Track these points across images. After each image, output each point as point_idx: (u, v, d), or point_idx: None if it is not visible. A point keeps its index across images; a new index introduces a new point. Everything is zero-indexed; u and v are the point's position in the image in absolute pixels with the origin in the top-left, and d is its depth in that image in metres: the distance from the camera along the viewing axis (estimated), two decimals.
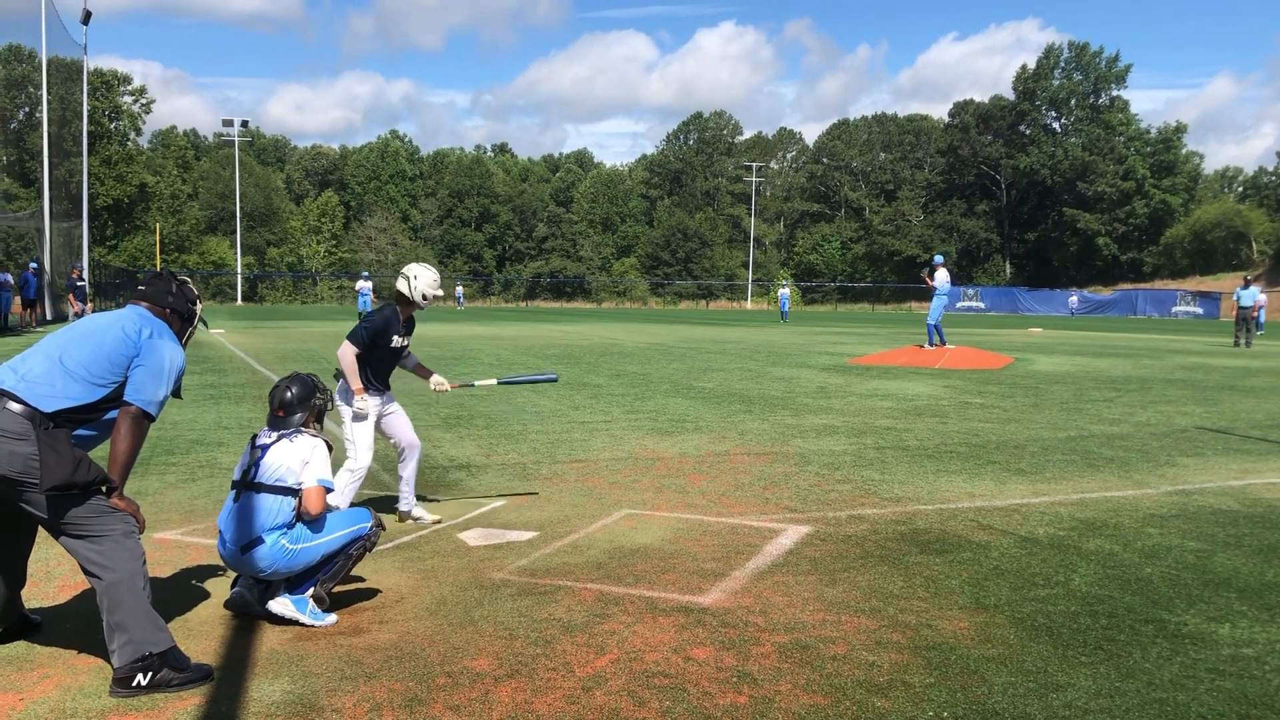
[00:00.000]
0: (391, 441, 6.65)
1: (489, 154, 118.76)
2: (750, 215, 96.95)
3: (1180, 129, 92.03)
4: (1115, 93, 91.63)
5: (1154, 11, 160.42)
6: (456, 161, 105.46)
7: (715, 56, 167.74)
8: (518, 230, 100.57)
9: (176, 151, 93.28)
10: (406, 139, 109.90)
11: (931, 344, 21.60)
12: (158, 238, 68.71)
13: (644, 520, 6.75)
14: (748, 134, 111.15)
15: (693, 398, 14.03)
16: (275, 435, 4.80)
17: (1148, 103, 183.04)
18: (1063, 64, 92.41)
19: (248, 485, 4.68)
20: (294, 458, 4.70)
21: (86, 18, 42.71)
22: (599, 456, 9.22)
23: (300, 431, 4.82)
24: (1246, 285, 31.14)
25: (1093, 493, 7.82)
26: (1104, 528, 6.65)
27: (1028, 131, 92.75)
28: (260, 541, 4.59)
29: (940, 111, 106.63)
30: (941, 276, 21.60)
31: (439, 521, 6.65)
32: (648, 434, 10.63)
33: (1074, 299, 65.18)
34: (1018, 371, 19.25)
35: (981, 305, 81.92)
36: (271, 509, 4.62)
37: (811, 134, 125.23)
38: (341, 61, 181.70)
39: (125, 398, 4.01)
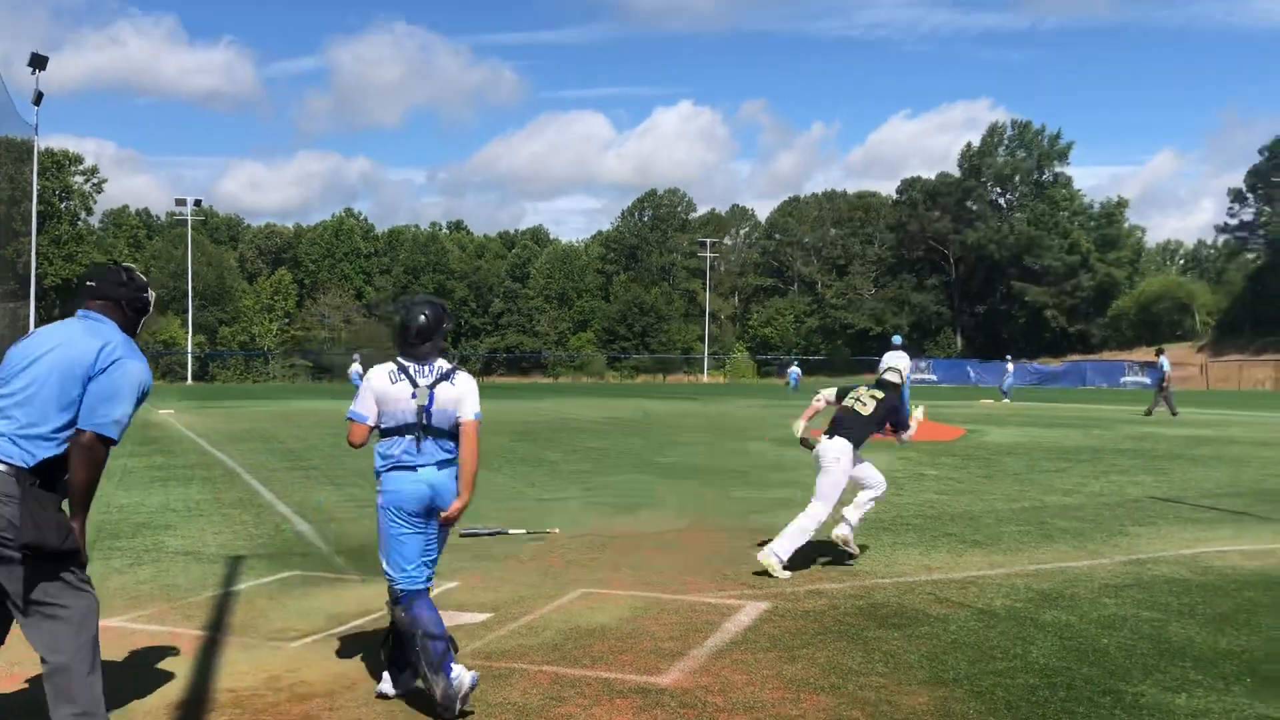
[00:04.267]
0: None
1: (445, 231, 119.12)
2: (705, 290, 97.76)
3: (1122, 204, 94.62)
4: (1058, 169, 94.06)
5: (1100, 91, 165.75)
6: (412, 238, 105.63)
7: (672, 135, 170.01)
8: (473, 306, 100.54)
9: (128, 231, 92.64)
10: (361, 216, 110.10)
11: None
12: None
13: (601, 599, 6.68)
14: (702, 210, 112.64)
15: (651, 472, 13.99)
16: (432, 373, 4.70)
17: (1093, 178, 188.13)
18: (1006, 141, 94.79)
19: (428, 429, 4.66)
20: (453, 397, 4.70)
21: (38, 99, 42.59)
22: (555, 535, 9.13)
23: (456, 370, 4.76)
24: (1160, 354, 32.23)
25: (1048, 563, 7.85)
26: (1060, 599, 6.67)
27: (974, 207, 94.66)
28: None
29: (889, 188, 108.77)
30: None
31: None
32: (605, 510, 10.56)
33: (1009, 372, 46.06)
34: (971, 443, 19.40)
35: (933, 377, 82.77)
36: (451, 449, 4.71)
37: (766, 210, 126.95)
38: (298, 140, 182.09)
39: (78, 424, 3.77)
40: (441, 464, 4.66)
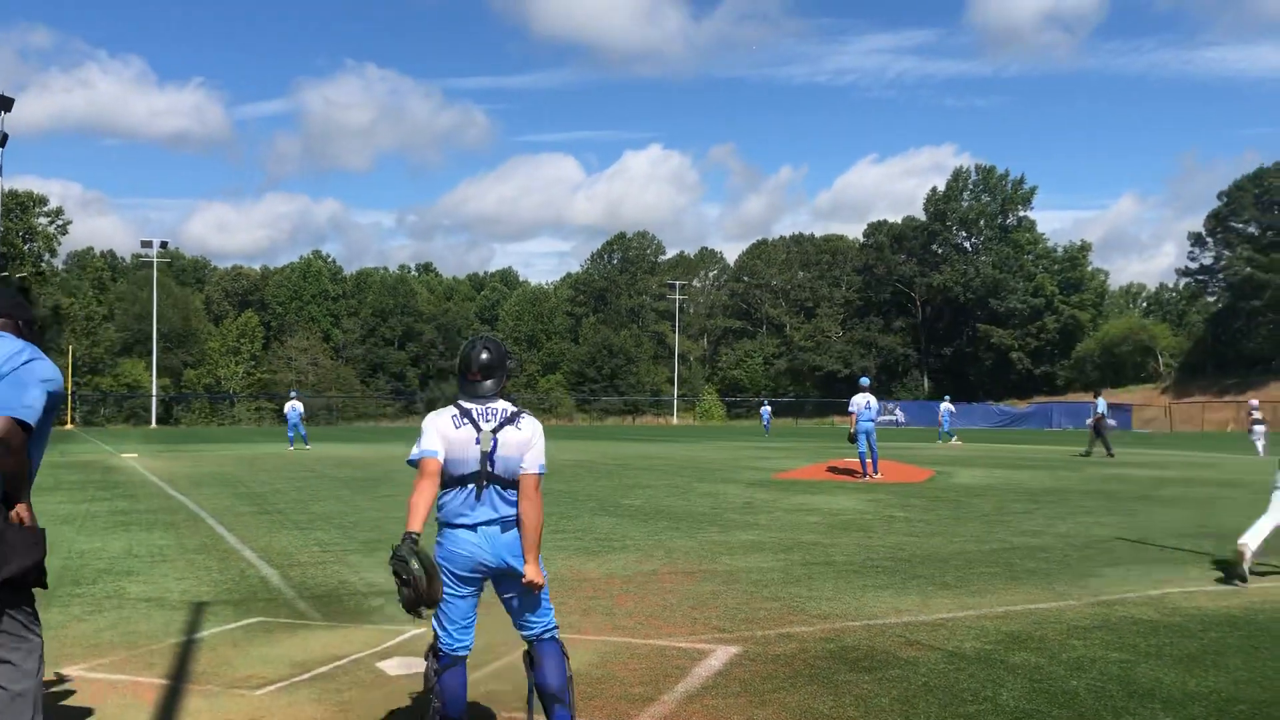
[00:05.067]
0: None
1: (413, 273, 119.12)
2: (674, 332, 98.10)
3: (1085, 247, 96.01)
4: (1022, 213, 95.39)
5: (1063, 137, 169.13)
6: (380, 281, 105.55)
7: (642, 177, 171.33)
8: (441, 349, 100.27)
9: (93, 273, 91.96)
10: (330, 259, 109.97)
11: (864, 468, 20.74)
12: (69, 360, 67.20)
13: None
14: (671, 253, 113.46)
15: (619, 515, 13.93)
16: (495, 417, 4.42)
17: (1057, 222, 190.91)
18: (971, 186, 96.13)
19: (492, 477, 4.33)
20: (518, 443, 4.41)
21: (3, 140, 42.35)
22: None
23: (521, 413, 4.48)
24: (1097, 395, 32.89)
25: (1017, 605, 7.86)
26: (1029, 640, 6.68)
27: (940, 250, 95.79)
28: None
29: (856, 232, 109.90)
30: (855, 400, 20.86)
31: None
32: (573, 554, 10.50)
33: (945, 411, 44.92)
34: (939, 484, 19.48)
35: (902, 419, 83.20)
36: (512, 501, 4.39)
37: (734, 252, 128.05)
38: (267, 182, 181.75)
39: None
40: (505, 523, 4.37)
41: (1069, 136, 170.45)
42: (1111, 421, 39.66)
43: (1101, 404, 31.45)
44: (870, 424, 20.29)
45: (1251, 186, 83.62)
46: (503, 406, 4.47)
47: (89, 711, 5.19)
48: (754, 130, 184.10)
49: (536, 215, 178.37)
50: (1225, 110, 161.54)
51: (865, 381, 21.61)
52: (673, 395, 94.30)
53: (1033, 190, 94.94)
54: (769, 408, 63.89)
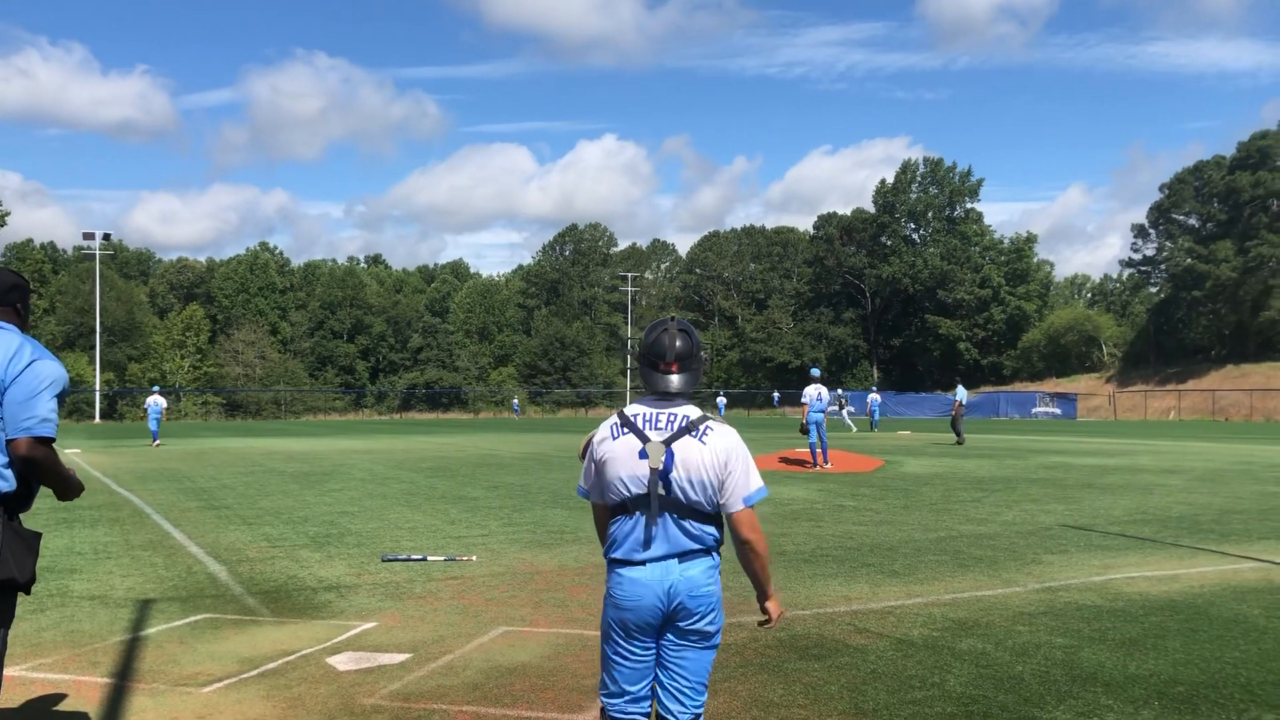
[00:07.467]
0: None
1: (362, 265, 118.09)
2: (627, 324, 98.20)
3: (1031, 239, 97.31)
4: (969, 205, 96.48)
5: (1013, 129, 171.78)
6: (328, 273, 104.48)
7: (595, 168, 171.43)
8: (391, 341, 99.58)
9: (32, 265, 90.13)
10: (277, 251, 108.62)
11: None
12: None
13: (522, 637, 6.61)
14: (624, 244, 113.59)
15: (572, 508, 13.92)
16: (670, 424, 3.38)
17: (1005, 214, 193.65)
18: (919, 178, 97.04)
19: (665, 502, 3.33)
20: (704, 462, 3.34)
21: None
22: (475, 572, 9.04)
23: (708, 421, 3.40)
24: (958, 384, 33.78)
25: (964, 592, 7.97)
26: (976, 627, 6.77)
27: (889, 242, 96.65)
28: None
29: (807, 223, 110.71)
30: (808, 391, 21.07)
31: None
32: (526, 547, 10.48)
33: (872, 399, 49.72)
34: (889, 474, 19.67)
35: (851, 409, 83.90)
36: (703, 537, 3.39)
37: (687, 244, 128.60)
38: (214, 172, 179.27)
39: (8, 437, 3.54)
40: (684, 555, 3.35)
41: (1018, 129, 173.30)
42: (1057, 410, 40.50)
43: (961, 392, 32.06)
44: (820, 415, 20.45)
45: (1192, 179, 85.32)
46: (683, 412, 3.42)
47: (29, 712, 5.11)
48: (708, 121, 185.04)
49: (488, 206, 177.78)
50: (1170, 104, 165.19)
51: (816, 372, 21.76)
52: (626, 387, 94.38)
53: (979, 182, 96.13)
54: (724, 399, 65.55)
